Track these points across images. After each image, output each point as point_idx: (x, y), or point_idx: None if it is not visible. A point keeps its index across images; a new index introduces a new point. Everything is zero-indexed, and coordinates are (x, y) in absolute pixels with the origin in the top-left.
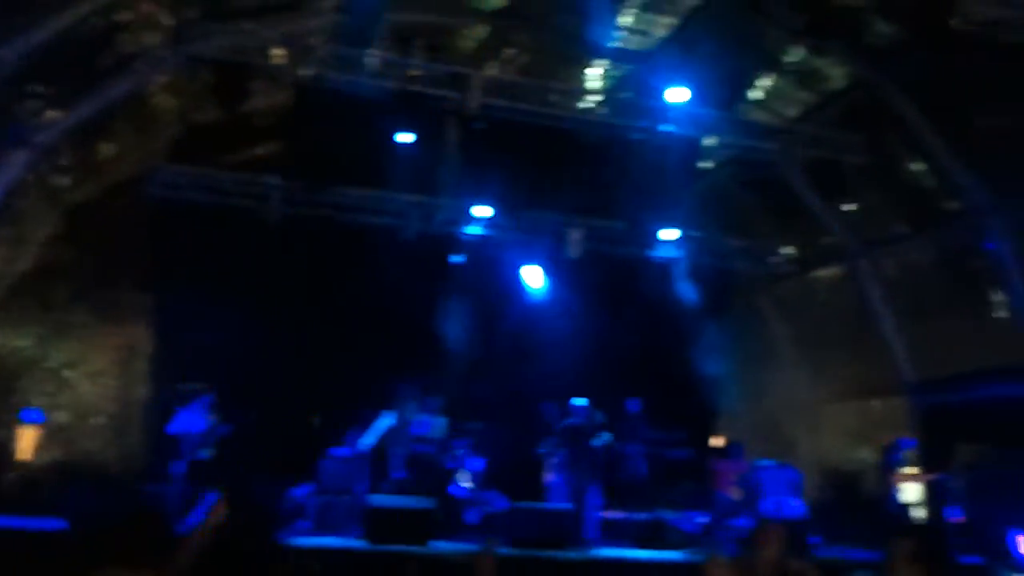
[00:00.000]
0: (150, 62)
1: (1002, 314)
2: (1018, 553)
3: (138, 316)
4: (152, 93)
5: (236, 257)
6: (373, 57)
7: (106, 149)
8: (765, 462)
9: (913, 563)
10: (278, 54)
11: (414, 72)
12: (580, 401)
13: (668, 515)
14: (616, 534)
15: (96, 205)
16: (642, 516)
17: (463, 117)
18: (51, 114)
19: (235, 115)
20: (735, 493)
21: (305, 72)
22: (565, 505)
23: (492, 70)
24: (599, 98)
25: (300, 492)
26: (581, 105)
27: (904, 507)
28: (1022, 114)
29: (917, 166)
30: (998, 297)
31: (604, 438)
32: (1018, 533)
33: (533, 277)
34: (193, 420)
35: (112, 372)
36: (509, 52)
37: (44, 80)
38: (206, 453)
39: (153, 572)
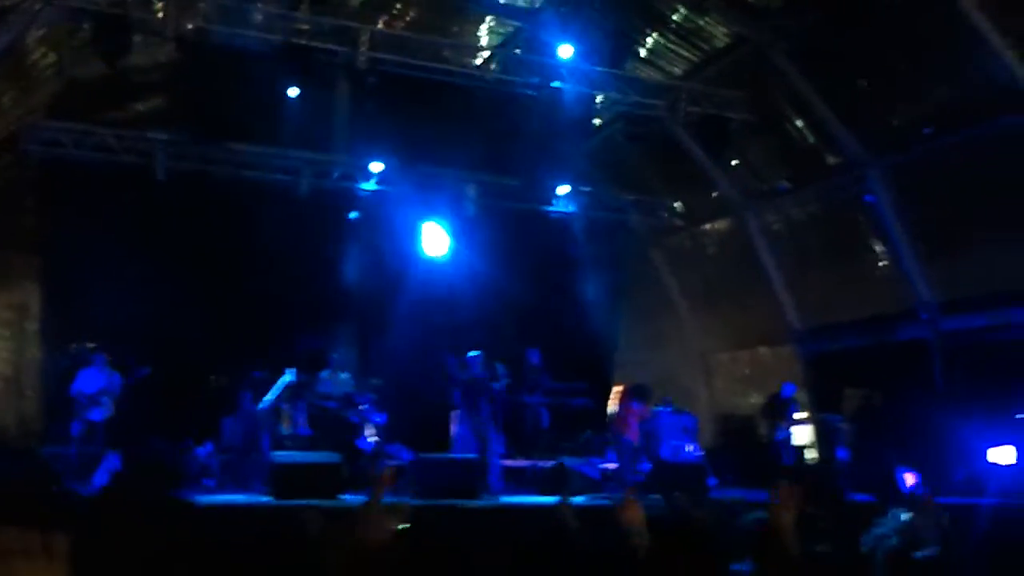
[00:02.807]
0: (25, 15)
1: (881, 263)
2: (905, 488)
3: (28, 276)
4: (30, 48)
5: (125, 215)
6: (258, 11)
7: None
8: (660, 409)
9: (796, 503)
10: (159, 6)
11: (301, 26)
12: (474, 353)
13: (570, 462)
14: (520, 482)
15: None
16: (545, 464)
17: (354, 72)
18: None
19: (117, 70)
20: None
21: (188, 25)
22: (469, 455)
23: (380, 24)
24: (490, 54)
25: (203, 451)
26: (474, 61)
27: (796, 449)
28: (898, 69)
29: (799, 122)
30: (877, 247)
31: (502, 386)
32: (904, 470)
33: (431, 232)
34: (90, 380)
35: (3, 334)
36: (398, 7)
37: None
38: (102, 412)
39: (45, 533)
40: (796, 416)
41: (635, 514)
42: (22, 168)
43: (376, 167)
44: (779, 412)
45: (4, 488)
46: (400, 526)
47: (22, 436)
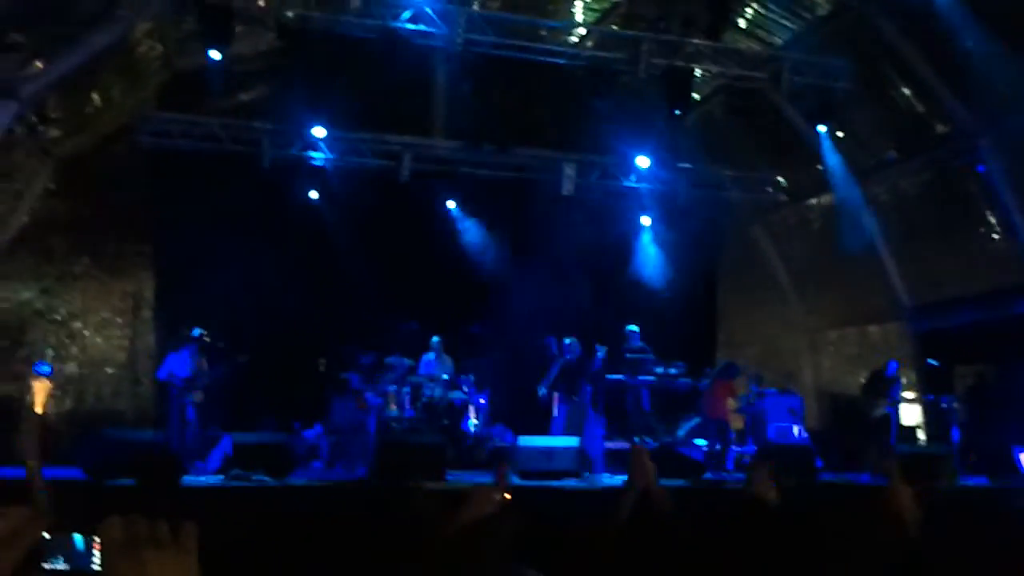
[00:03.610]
0: (132, 8)
1: (995, 236)
2: (1022, 467)
3: (140, 265)
4: (137, 40)
5: (233, 202)
6: None
7: (95, 99)
8: (767, 390)
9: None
10: None
11: (399, 10)
12: (569, 339)
13: (672, 443)
14: (620, 464)
15: (89, 156)
16: (646, 445)
17: (451, 54)
18: (36, 64)
19: (221, 61)
20: (735, 421)
21: (289, 13)
22: (568, 438)
23: (477, 5)
24: (586, 31)
25: (311, 433)
26: (570, 39)
27: (906, 430)
28: (1008, 33)
29: (907, 90)
30: (991, 219)
31: (600, 367)
32: (1021, 450)
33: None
34: (181, 364)
35: (118, 322)
36: None
37: (26, 30)
38: (195, 397)
39: (174, 523)
40: (899, 396)
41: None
42: (133, 159)
43: (473, 150)
44: (882, 391)
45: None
46: (505, 500)
47: (137, 422)
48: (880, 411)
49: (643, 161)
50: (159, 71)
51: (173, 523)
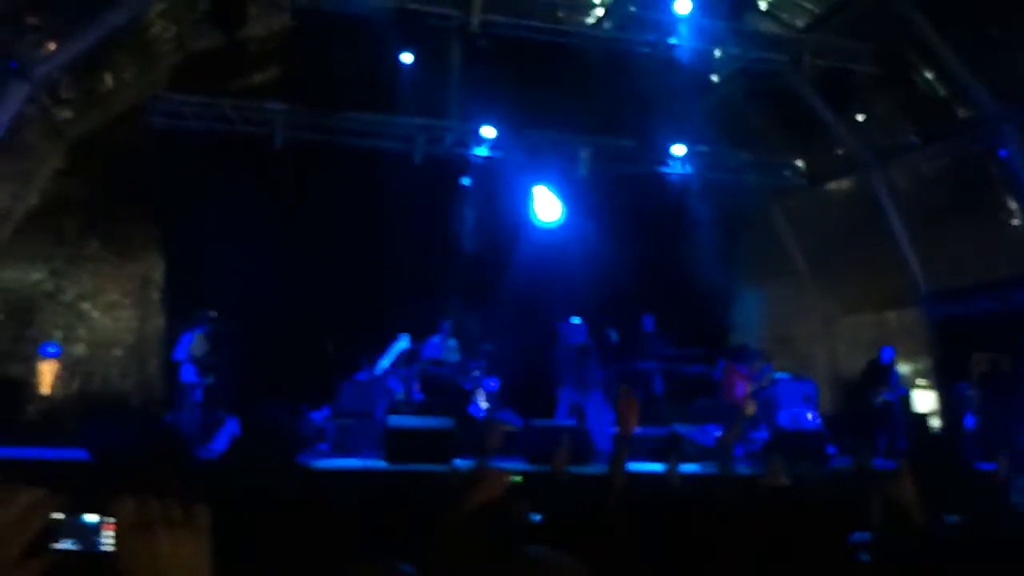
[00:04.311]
0: None
1: (1015, 222)
2: None
3: (150, 247)
4: (150, 21)
5: (244, 184)
6: None
7: (107, 80)
8: (781, 375)
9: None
10: None
11: None
12: (576, 320)
13: (684, 429)
14: (632, 449)
15: (100, 137)
16: (657, 430)
17: (467, 35)
18: (49, 46)
19: (234, 41)
20: (749, 407)
21: None
22: (575, 421)
23: None
24: (603, 12)
25: (319, 416)
26: (587, 20)
27: (917, 416)
28: None
29: (928, 74)
30: (1011, 205)
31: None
32: None
33: (544, 197)
34: (196, 346)
35: (127, 303)
36: None
37: (40, 11)
38: (206, 378)
39: (186, 504)
40: (897, 382)
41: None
42: (144, 140)
43: (488, 132)
44: (880, 378)
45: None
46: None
47: (145, 403)
48: (880, 399)
49: (679, 149)
50: (172, 52)
51: (184, 503)
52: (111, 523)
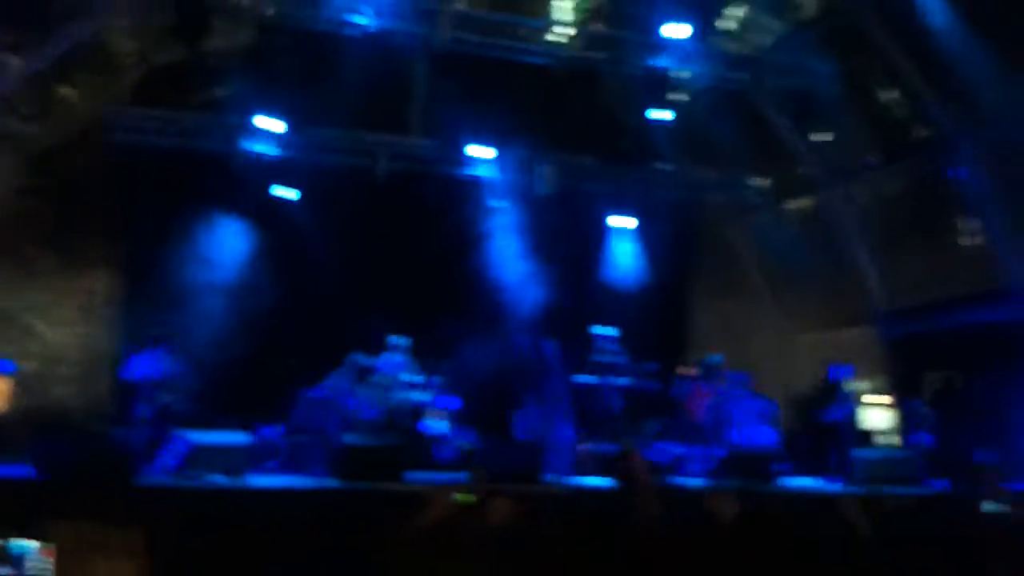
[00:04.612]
0: (107, 3)
1: (970, 242)
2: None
3: (104, 263)
4: (112, 35)
5: (204, 200)
6: None
7: (67, 94)
8: (738, 392)
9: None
10: None
11: (381, 8)
12: (544, 337)
13: (641, 446)
14: (589, 465)
15: (60, 152)
16: (614, 447)
17: (433, 52)
18: (9, 60)
19: (197, 56)
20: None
21: (269, 10)
22: (535, 438)
23: (460, 4)
24: (570, 31)
25: (271, 432)
26: (554, 38)
27: (864, 434)
28: (994, 43)
29: (889, 95)
30: (967, 225)
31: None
32: (991, 460)
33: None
34: (150, 366)
35: (79, 320)
36: None
37: (1, 26)
38: (167, 398)
39: (124, 528)
40: (848, 401)
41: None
42: (104, 155)
43: (454, 148)
44: (828, 396)
45: (81, 479)
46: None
47: (92, 420)
48: (830, 416)
49: (642, 165)
50: (133, 67)
51: (125, 526)
52: (49, 548)
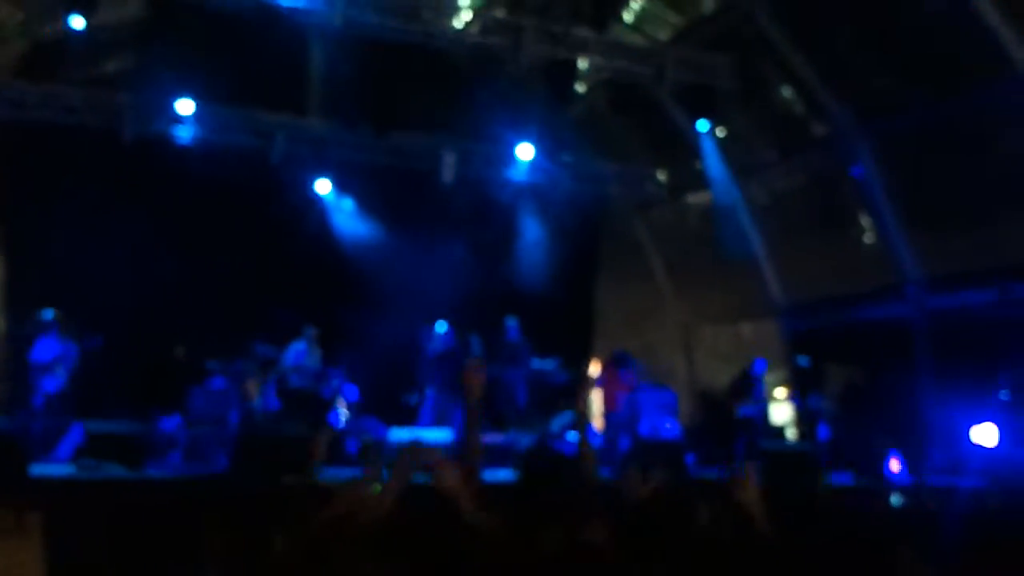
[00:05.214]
0: None
1: (868, 238)
2: (890, 473)
3: None
4: None
5: (91, 179)
6: None
7: None
8: (642, 384)
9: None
10: None
11: None
12: (443, 325)
13: (547, 438)
14: (496, 458)
15: None
16: (522, 439)
17: (329, 33)
18: None
19: (84, 29)
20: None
21: None
22: (440, 430)
23: None
24: (470, 17)
25: (169, 424)
26: (454, 23)
27: (773, 428)
28: (885, 36)
29: (786, 92)
30: (864, 221)
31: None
32: (893, 454)
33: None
34: (45, 349)
35: None
36: None
37: None
38: (56, 382)
39: (18, 512)
40: (763, 395)
41: (751, 491)
42: None
43: (350, 134)
44: (746, 390)
45: None
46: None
47: None
48: (743, 410)
49: (526, 152)
50: (17, 38)
51: (18, 512)
52: None
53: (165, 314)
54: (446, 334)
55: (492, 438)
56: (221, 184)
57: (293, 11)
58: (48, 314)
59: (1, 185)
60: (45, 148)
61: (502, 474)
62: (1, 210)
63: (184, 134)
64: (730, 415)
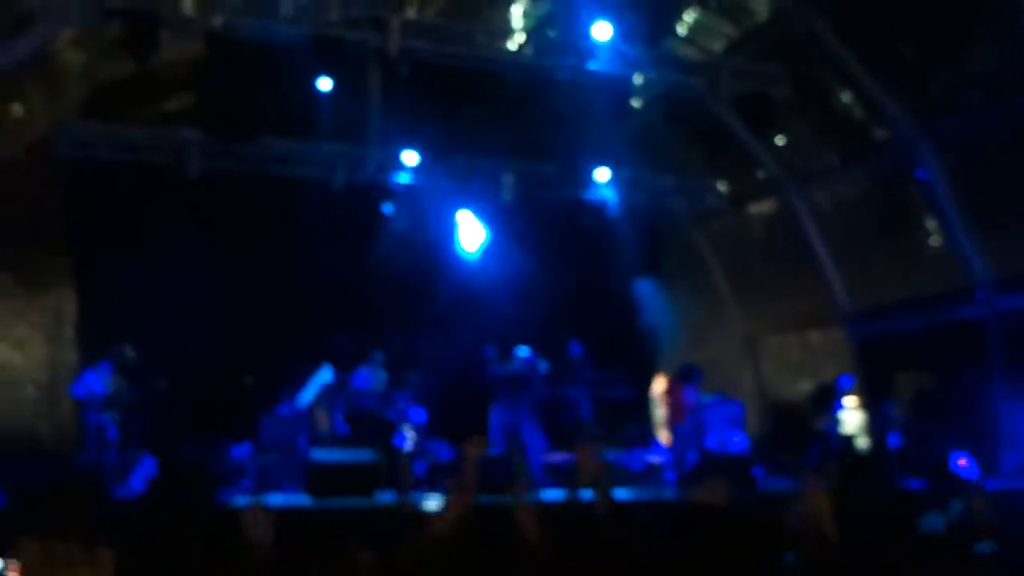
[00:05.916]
0: (54, 17)
1: (934, 241)
2: (958, 471)
3: (62, 280)
4: (60, 49)
5: (158, 215)
6: (286, 2)
7: (15, 110)
8: (708, 397)
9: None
10: (187, 3)
11: (331, 16)
12: (521, 349)
13: (614, 455)
14: (561, 476)
15: (9, 168)
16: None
17: (386, 61)
18: None
19: (146, 69)
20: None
21: (216, 20)
22: (503, 451)
23: (411, 12)
24: (524, 38)
25: (240, 452)
26: (507, 45)
27: (845, 438)
28: (945, 41)
29: (845, 97)
30: (930, 224)
31: (541, 380)
32: (958, 456)
33: (467, 224)
34: (99, 382)
35: (38, 339)
36: None
37: None
38: (117, 416)
39: (90, 545)
40: (842, 408)
41: (820, 501)
42: (55, 170)
43: (410, 158)
44: (827, 404)
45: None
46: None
47: (58, 443)
48: (821, 425)
49: (602, 174)
50: (82, 80)
51: (90, 545)
52: (15, 565)
53: (232, 343)
54: (516, 355)
55: (556, 457)
56: (286, 214)
57: (347, 42)
58: (121, 349)
59: (71, 222)
60: (112, 185)
61: (560, 493)
62: (72, 247)
63: (250, 168)
64: (803, 426)
